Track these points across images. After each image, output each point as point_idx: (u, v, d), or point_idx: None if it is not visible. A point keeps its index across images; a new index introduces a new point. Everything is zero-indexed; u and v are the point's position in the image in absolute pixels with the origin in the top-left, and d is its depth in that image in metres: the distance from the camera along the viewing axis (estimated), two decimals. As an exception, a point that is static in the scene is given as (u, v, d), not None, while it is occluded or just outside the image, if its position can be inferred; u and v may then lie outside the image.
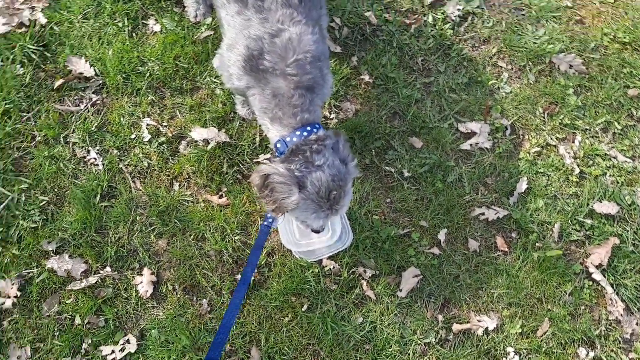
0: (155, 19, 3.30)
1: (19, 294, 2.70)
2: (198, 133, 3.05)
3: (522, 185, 3.07)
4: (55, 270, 2.74)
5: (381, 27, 3.44)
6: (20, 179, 2.88)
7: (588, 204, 3.05)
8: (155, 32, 3.28)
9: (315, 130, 2.32)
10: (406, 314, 2.81)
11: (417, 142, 3.19)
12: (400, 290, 2.88)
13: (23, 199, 2.84)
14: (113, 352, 2.67)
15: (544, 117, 3.27)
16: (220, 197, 2.99)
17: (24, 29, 3.18)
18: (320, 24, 2.51)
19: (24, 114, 3.01)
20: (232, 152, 3.05)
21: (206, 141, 3.04)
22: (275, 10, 2.31)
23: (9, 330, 2.64)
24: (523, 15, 3.60)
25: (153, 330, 2.72)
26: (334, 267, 2.89)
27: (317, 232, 2.54)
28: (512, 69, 3.42)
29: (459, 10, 3.53)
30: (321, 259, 2.90)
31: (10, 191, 2.83)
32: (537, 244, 2.96)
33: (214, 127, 3.08)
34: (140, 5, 3.34)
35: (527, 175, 3.11)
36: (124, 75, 3.13)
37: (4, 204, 2.79)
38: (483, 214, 3.02)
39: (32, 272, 2.73)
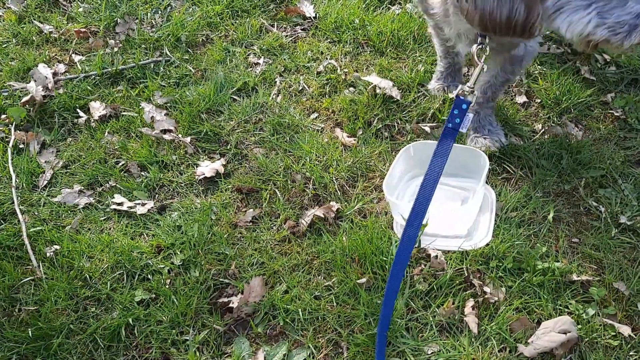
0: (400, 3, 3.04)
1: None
2: (372, 78, 2.49)
3: None
4: (145, 113, 2.37)
5: (667, 77, 2.46)
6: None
7: None
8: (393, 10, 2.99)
9: None
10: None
11: (662, 192, 1.99)
12: (527, 345, 1.59)
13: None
14: (122, 204, 2.05)
15: None
16: (350, 137, 2.28)
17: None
18: None
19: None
20: (393, 111, 2.37)
21: (374, 88, 2.44)
22: None
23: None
24: None
25: (175, 213, 2.03)
26: (437, 259, 1.80)
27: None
28: None
29: None
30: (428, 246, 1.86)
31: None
32: None
33: (391, 81, 2.48)
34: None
35: None
36: (335, 24, 2.86)
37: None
38: None
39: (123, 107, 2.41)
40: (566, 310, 1.69)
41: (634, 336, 1.62)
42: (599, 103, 2.38)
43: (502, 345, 1.63)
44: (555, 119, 2.31)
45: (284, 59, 2.70)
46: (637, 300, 1.70)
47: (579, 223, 1.95)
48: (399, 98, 2.41)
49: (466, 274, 1.78)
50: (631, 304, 1.70)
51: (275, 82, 2.59)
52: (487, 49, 1.67)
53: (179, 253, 1.88)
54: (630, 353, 1.60)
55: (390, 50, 2.70)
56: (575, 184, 2.06)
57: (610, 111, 2.34)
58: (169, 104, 2.45)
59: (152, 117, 2.36)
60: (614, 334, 1.63)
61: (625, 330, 1.62)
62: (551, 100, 2.38)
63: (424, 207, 1.51)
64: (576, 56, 2.59)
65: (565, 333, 1.58)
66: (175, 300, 1.75)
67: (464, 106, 1.60)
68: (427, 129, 2.29)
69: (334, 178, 2.12)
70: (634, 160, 2.15)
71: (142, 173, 2.19)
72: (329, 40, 2.82)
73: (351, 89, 2.53)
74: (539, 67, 2.54)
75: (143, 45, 2.76)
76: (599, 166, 2.10)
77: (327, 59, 2.70)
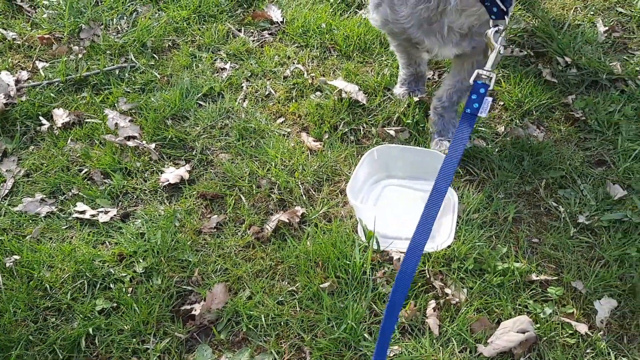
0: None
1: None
2: (338, 82, 2.50)
3: None
4: (109, 120, 2.35)
5: (625, 79, 2.51)
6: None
7: None
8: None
9: None
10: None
11: (619, 191, 2.03)
12: (486, 345, 1.61)
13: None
14: (84, 212, 2.03)
15: None
16: (316, 141, 2.29)
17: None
18: None
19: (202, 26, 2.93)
20: (359, 115, 2.39)
21: (340, 93, 2.45)
22: None
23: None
24: None
25: (139, 220, 2.01)
26: (400, 261, 1.82)
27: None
28: None
29: None
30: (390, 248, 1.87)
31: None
32: None
33: (358, 85, 2.50)
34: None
35: None
36: (302, 29, 2.87)
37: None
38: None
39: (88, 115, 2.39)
40: (525, 309, 1.71)
41: (590, 334, 1.65)
42: (560, 105, 2.42)
43: (463, 346, 1.64)
44: (517, 121, 2.34)
45: (251, 64, 2.70)
46: (593, 299, 1.73)
47: (539, 223, 1.98)
48: (364, 102, 2.43)
49: (428, 276, 1.79)
50: (588, 302, 1.73)
51: (242, 87, 2.58)
52: (505, 30, 1.67)
53: (141, 261, 1.87)
54: (587, 350, 1.63)
55: (356, 54, 2.72)
56: (536, 184, 2.09)
57: (571, 113, 2.38)
58: (133, 110, 2.44)
59: (116, 123, 2.34)
60: (572, 332, 1.66)
61: (582, 328, 1.65)
62: (514, 102, 2.41)
63: (445, 185, 1.42)
64: (538, 59, 2.64)
65: (523, 332, 1.60)
66: (136, 308, 1.74)
67: (482, 90, 1.57)
68: (392, 132, 2.31)
69: (299, 182, 2.13)
70: (592, 161, 2.19)
71: (106, 180, 2.17)
72: (296, 44, 2.82)
73: (318, 93, 2.54)
74: (502, 70, 2.58)
75: (108, 51, 2.74)
76: (559, 167, 2.14)
77: (294, 63, 2.71)
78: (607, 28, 2.73)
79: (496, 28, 1.66)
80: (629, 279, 1.78)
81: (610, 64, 2.56)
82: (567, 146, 2.24)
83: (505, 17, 1.65)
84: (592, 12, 2.82)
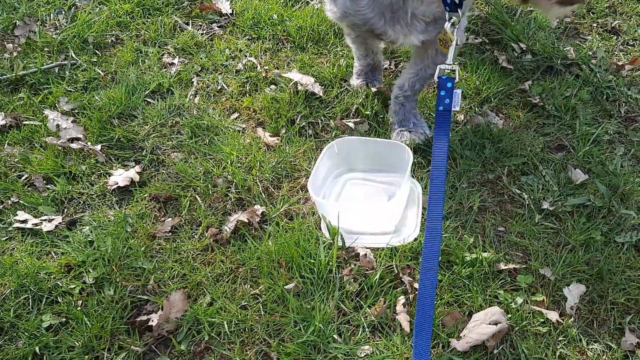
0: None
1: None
2: (293, 75, 2.42)
3: None
4: (49, 121, 2.19)
5: (579, 63, 2.52)
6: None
7: None
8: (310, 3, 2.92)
9: None
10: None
11: (580, 176, 2.02)
12: (459, 339, 1.56)
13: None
14: (26, 221, 1.88)
15: None
16: (273, 136, 2.20)
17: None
18: None
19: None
20: (317, 108, 2.31)
21: (295, 85, 2.37)
22: None
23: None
24: None
25: (87, 227, 1.88)
26: (366, 258, 1.75)
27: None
28: None
29: None
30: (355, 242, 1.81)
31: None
32: None
33: (313, 77, 2.42)
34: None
35: None
36: (253, 21, 2.77)
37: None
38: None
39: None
40: (496, 300, 1.68)
41: (561, 321, 1.63)
42: (518, 91, 2.41)
43: (435, 341, 1.59)
44: (476, 109, 2.32)
45: (201, 58, 2.58)
46: (562, 285, 1.71)
47: (504, 211, 1.95)
48: (321, 94, 2.35)
49: (396, 271, 1.73)
50: (557, 289, 1.71)
51: (192, 82, 2.46)
52: (463, 19, 1.65)
53: (91, 271, 1.74)
54: (560, 338, 1.61)
55: (310, 45, 2.64)
56: (498, 172, 2.06)
57: (529, 99, 2.37)
58: (76, 110, 2.28)
59: (58, 125, 2.18)
60: (543, 320, 1.63)
61: (553, 316, 1.63)
62: (472, 90, 2.38)
63: (442, 190, 1.48)
64: (493, 46, 2.62)
65: (496, 324, 1.57)
66: (88, 322, 1.61)
67: (449, 84, 1.59)
68: (352, 124, 2.24)
69: (257, 180, 2.04)
70: (552, 147, 2.19)
71: (48, 186, 2.02)
72: (247, 37, 2.72)
73: (272, 86, 2.44)
74: (458, 57, 2.55)
75: (46, 49, 2.56)
76: (521, 154, 2.12)
77: (246, 56, 2.61)
78: (558, 14, 2.74)
79: (452, 20, 1.63)
80: (595, 263, 1.77)
81: (564, 49, 2.57)
82: (527, 132, 2.22)
83: (459, 9, 1.62)
84: (543, -2, 2.82)
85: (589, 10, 2.79)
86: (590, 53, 2.58)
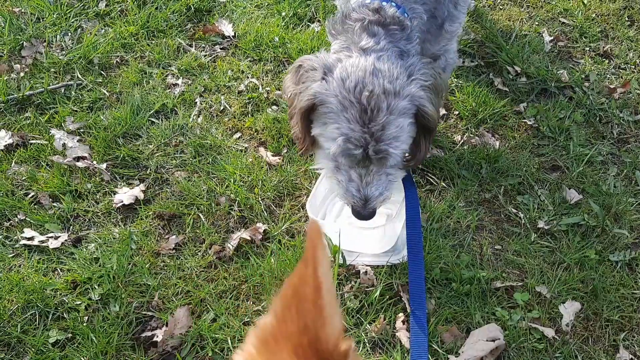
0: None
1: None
2: (293, 96, 2.48)
3: None
4: (55, 140, 2.23)
5: (572, 86, 2.59)
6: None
7: None
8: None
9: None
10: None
11: (574, 195, 2.08)
12: (458, 356, 1.60)
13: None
14: (32, 238, 1.91)
15: None
16: (275, 155, 2.25)
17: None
18: None
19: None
20: (318, 126, 2.36)
21: (296, 106, 2.42)
22: None
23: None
24: None
25: (92, 244, 1.91)
26: (367, 275, 1.79)
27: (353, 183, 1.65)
28: None
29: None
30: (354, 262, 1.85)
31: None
32: None
33: (314, 98, 2.48)
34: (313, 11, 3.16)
35: None
36: (255, 43, 2.83)
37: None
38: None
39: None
40: (493, 317, 1.72)
41: (557, 338, 1.67)
42: (513, 113, 2.47)
43: (435, 358, 1.63)
44: (473, 130, 2.37)
45: (204, 79, 2.64)
46: (558, 302, 1.75)
47: (501, 230, 2.00)
48: (321, 115, 2.41)
49: (396, 289, 1.78)
50: (553, 305, 1.75)
51: (196, 102, 2.52)
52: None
53: (97, 287, 1.78)
54: (556, 354, 1.64)
55: (311, 67, 2.70)
56: (495, 192, 2.12)
57: (524, 120, 2.43)
58: (82, 130, 2.33)
59: (64, 144, 2.23)
60: (539, 337, 1.67)
61: (549, 332, 1.67)
62: (468, 111, 2.44)
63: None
64: (489, 68, 2.69)
65: (493, 340, 1.60)
66: (93, 338, 1.64)
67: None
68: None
69: (259, 198, 2.08)
70: (547, 167, 2.24)
71: (55, 204, 2.06)
72: (249, 58, 2.78)
73: (274, 107, 2.50)
74: (455, 80, 2.62)
75: (52, 69, 2.62)
76: (516, 174, 2.18)
77: (248, 77, 2.67)
78: (552, 38, 2.82)
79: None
80: (590, 281, 1.82)
81: (558, 72, 2.64)
82: (522, 153, 2.28)
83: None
84: (537, 23, 2.91)
85: (582, 34, 2.87)
86: (583, 76, 2.66)
